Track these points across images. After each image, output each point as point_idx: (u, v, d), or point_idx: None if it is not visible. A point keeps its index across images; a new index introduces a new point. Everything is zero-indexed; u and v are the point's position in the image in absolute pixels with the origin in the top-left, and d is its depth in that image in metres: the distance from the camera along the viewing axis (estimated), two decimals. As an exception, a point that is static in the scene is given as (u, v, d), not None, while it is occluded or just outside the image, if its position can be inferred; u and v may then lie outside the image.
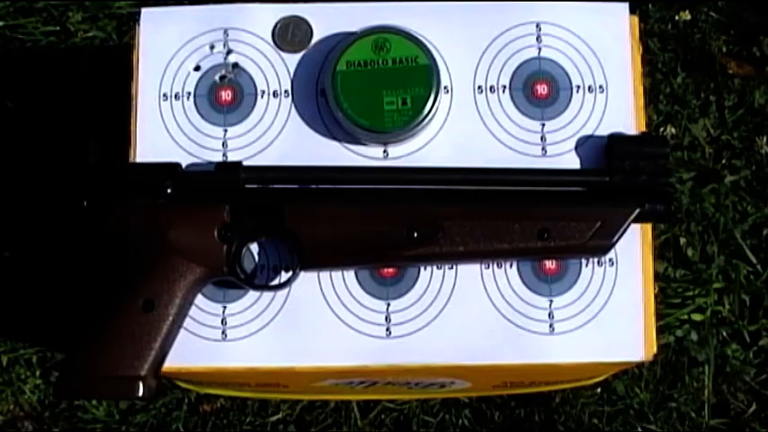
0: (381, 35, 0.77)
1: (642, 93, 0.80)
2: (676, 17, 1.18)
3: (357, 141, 0.78)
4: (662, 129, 1.14)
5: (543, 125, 0.79)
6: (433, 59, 0.77)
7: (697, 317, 1.11)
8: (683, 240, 1.12)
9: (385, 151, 0.79)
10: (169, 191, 0.74)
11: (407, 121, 0.76)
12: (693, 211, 1.13)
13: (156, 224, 0.73)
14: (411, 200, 0.74)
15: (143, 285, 0.73)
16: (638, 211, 0.74)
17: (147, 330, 0.72)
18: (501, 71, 0.80)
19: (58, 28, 1.19)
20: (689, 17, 1.18)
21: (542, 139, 0.79)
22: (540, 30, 0.81)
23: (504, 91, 0.80)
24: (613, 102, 0.80)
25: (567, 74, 0.80)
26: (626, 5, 0.81)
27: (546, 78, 0.80)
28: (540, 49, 0.81)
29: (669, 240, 1.12)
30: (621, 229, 0.74)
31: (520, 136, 0.79)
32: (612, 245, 0.74)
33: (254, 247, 0.77)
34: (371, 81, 0.76)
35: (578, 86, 0.80)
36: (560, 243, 0.74)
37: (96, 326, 0.73)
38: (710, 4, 1.19)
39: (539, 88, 0.80)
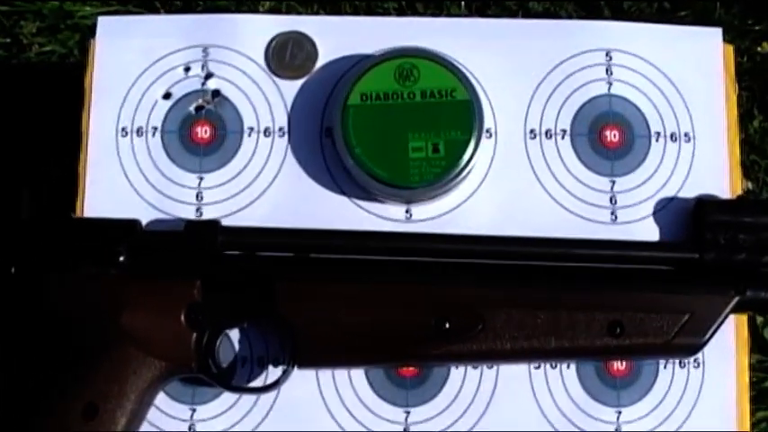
0: (407, 60, 0.71)
1: (738, 143, 0.73)
2: (758, 48, 1.12)
3: (372, 198, 0.72)
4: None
5: (613, 182, 0.73)
6: (474, 93, 0.71)
7: (777, 414, 1.09)
8: (759, 320, 1.05)
9: (408, 212, 0.72)
10: (122, 258, 0.66)
11: (439, 173, 0.69)
12: (773, 285, 1.10)
13: (104, 302, 0.65)
14: (442, 279, 0.67)
15: (84, 384, 0.65)
16: (737, 299, 0.67)
17: None
18: (560, 111, 0.74)
19: (8, 40, 1.13)
20: (770, 49, 1.18)
21: (612, 200, 0.72)
22: (610, 59, 0.74)
23: (563, 137, 0.73)
24: (702, 154, 0.73)
25: (643, 117, 0.74)
26: (718, 31, 0.74)
27: (617, 122, 0.74)
28: (610, 84, 0.74)
29: (742, 320, 1.09)
30: (716, 324, 0.66)
31: (583, 196, 0.72)
32: (704, 344, 0.67)
33: (234, 334, 0.70)
34: (393, 119, 0.70)
35: (658, 133, 0.73)
36: (637, 341, 0.66)
37: (25, 433, 0.65)
38: (795, 34, 1.19)
39: (608, 134, 0.73)
